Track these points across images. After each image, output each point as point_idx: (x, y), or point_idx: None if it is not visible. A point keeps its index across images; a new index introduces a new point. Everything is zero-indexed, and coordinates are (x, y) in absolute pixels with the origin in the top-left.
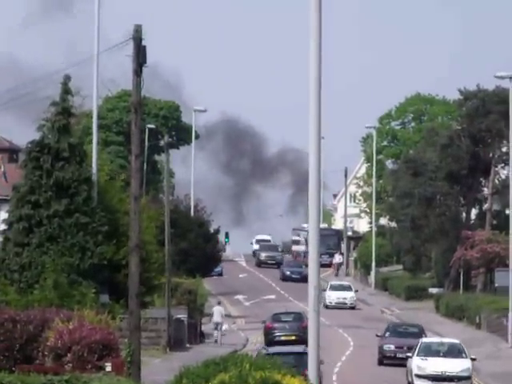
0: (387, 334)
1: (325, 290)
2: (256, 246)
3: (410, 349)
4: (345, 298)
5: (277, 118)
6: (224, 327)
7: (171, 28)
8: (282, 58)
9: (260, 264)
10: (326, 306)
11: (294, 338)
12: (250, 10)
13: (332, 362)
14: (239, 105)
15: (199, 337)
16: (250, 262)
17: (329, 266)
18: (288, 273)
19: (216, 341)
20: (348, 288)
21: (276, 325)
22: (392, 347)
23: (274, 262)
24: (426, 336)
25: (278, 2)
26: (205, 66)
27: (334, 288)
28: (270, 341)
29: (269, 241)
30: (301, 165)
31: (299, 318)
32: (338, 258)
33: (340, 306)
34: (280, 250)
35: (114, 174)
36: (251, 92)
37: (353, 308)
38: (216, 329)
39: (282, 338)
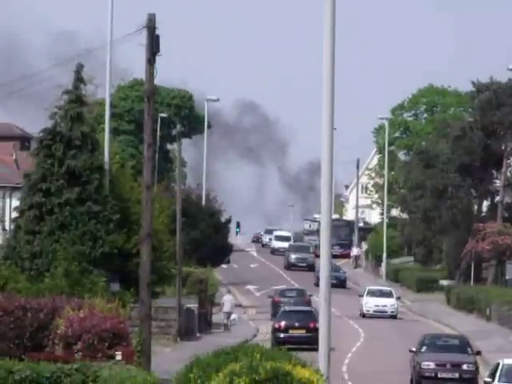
0: (423, 348)
1: (361, 296)
2: (277, 243)
3: (455, 366)
4: (385, 306)
5: (290, 106)
6: (233, 316)
7: (184, 20)
8: (293, 48)
9: (290, 267)
10: (363, 315)
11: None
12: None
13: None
14: (254, 93)
15: (207, 326)
16: (260, 252)
17: (340, 256)
18: None
19: (225, 327)
20: (388, 294)
21: (282, 299)
22: (431, 365)
23: (305, 264)
24: (471, 349)
25: None
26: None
27: (373, 294)
28: (276, 313)
29: (289, 237)
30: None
31: (302, 293)
32: (355, 251)
33: (379, 315)
34: (311, 251)
35: (125, 163)
36: (265, 82)
37: (394, 317)
38: (227, 318)
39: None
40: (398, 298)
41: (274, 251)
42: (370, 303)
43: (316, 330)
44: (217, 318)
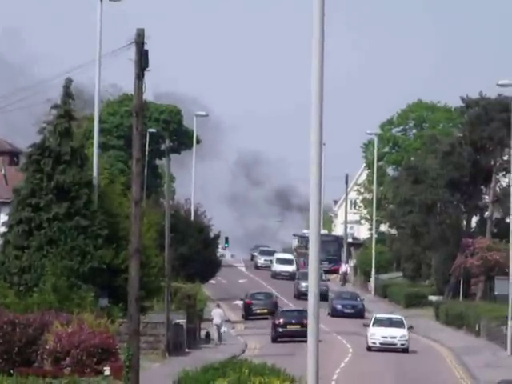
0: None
1: (367, 326)
2: (279, 267)
3: None
4: (394, 338)
5: (276, 126)
6: (223, 329)
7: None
8: (280, 64)
9: (300, 296)
10: (369, 348)
11: (266, 310)
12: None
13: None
14: (240, 110)
15: (205, 338)
16: (249, 268)
17: (329, 271)
18: (339, 307)
19: (218, 340)
20: (399, 323)
21: (253, 301)
22: None
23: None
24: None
25: (280, 11)
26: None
27: (380, 323)
28: (248, 313)
29: (291, 261)
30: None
31: (269, 296)
32: (344, 268)
33: (387, 348)
34: (324, 278)
35: (114, 178)
36: (250, 97)
37: (405, 351)
38: (217, 330)
39: (258, 311)
40: (411, 328)
41: (276, 275)
42: (377, 334)
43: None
44: (204, 332)
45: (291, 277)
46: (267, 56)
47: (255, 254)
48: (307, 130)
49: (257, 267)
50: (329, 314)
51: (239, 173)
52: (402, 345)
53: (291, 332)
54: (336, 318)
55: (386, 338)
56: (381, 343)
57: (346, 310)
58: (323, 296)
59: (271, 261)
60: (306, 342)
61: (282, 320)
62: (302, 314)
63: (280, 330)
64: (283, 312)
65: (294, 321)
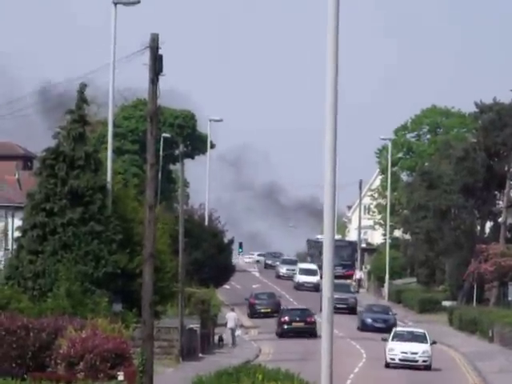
0: None
1: (386, 340)
2: (303, 278)
3: None
4: (415, 354)
5: (289, 137)
6: (237, 333)
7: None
8: (293, 69)
9: None
10: (387, 365)
11: (269, 310)
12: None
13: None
14: (251, 126)
15: (218, 341)
16: (262, 273)
17: (343, 277)
18: (369, 321)
19: (232, 344)
20: (421, 338)
21: (257, 301)
22: None
23: (345, 306)
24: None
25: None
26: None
27: (400, 337)
28: (252, 312)
29: (315, 271)
30: None
31: (272, 296)
32: (358, 275)
33: (407, 365)
34: (353, 290)
35: (128, 183)
36: (262, 111)
37: (427, 368)
38: (232, 334)
39: (262, 310)
40: (434, 343)
41: (299, 286)
42: (396, 350)
43: (311, 323)
44: (218, 337)
45: (315, 288)
46: (276, 63)
47: (277, 263)
48: (321, 137)
49: (278, 276)
50: (358, 328)
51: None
52: (423, 361)
53: (296, 329)
54: (365, 333)
55: (406, 353)
56: (400, 359)
57: (377, 325)
58: (351, 309)
59: (294, 270)
60: (308, 337)
61: (287, 318)
62: (306, 312)
63: (285, 326)
64: (288, 310)
65: (298, 318)
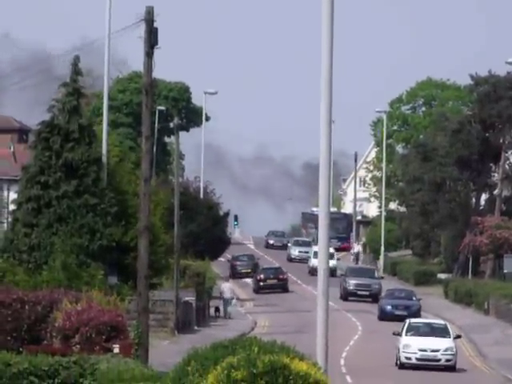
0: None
1: (397, 335)
2: (317, 262)
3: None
4: (436, 351)
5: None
6: (233, 301)
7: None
8: (291, 44)
9: (347, 297)
10: (402, 365)
11: (249, 270)
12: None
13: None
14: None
15: (214, 312)
16: (258, 245)
17: (338, 249)
18: (389, 308)
19: (225, 315)
20: (442, 331)
21: (238, 262)
22: None
23: (368, 292)
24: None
25: None
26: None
27: (416, 331)
28: (233, 272)
29: (332, 254)
30: None
31: (252, 257)
32: (356, 248)
33: (427, 366)
34: (377, 275)
35: (123, 156)
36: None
37: (451, 369)
38: (226, 304)
39: (243, 271)
40: (458, 337)
41: (314, 271)
42: (413, 346)
43: (283, 279)
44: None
45: (331, 273)
46: (271, 42)
47: (286, 243)
48: (317, 106)
49: (290, 259)
50: (378, 317)
51: None
52: (447, 361)
53: (270, 285)
54: (385, 323)
55: (425, 351)
56: (418, 358)
57: (398, 312)
58: (375, 296)
59: (307, 252)
60: (281, 292)
61: (262, 276)
62: (278, 270)
63: (261, 284)
64: (263, 269)
65: (272, 276)
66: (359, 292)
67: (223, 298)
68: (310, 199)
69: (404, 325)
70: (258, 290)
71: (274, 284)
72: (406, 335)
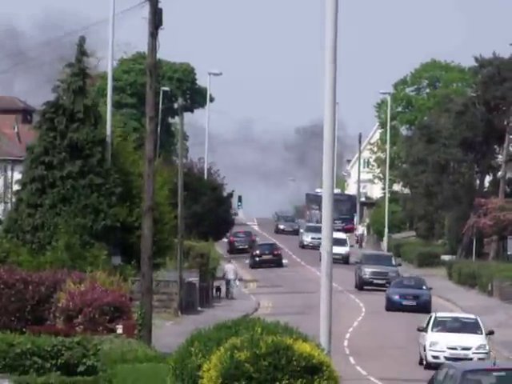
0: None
1: (422, 331)
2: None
3: None
4: (467, 349)
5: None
6: (237, 283)
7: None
8: (293, 20)
9: (363, 285)
10: (428, 365)
11: (246, 246)
12: None
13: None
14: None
15: (216, 291)
16: (262, 226)
17: (342, 230)
18: (396, 297)
19: (227, 296)
20: (472, 326)
21: (236, 239)
22: None
23: (384, 281)
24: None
25: None
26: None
27: (444, 326)
28: (232, 248)
29: (344, 241)
30: None
31: (250, 234)
32: (360, 230)
33: None
34: (394, 262)
35: (128, 136)
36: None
37: None
38: (228, 284)
39: (240, 247)
40: (491, 334)
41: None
42: (441, 343)
43: (278, 255)
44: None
45: (344, 260)
46: (275, 23)
47: (301, 230)
48: (321, 89)
49: (302, 246)
50: (386, 308)
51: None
52: (480, 360)
53: (265, 260)
54: (392, 314)
55: (454, 349)
56: (447, 357)
57: (405, 302)
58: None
59: (320, 239)
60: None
61: (258, 251)
62: (273, 246)
63: (257, 259)
64: (259, 245)
65: (267, 252)
66: (375, 281)
67: (226, 278)
68: (310, 179)
69: (430, 319)
70: (253, 264)
71: (269, 259)
72: (433, 331)
